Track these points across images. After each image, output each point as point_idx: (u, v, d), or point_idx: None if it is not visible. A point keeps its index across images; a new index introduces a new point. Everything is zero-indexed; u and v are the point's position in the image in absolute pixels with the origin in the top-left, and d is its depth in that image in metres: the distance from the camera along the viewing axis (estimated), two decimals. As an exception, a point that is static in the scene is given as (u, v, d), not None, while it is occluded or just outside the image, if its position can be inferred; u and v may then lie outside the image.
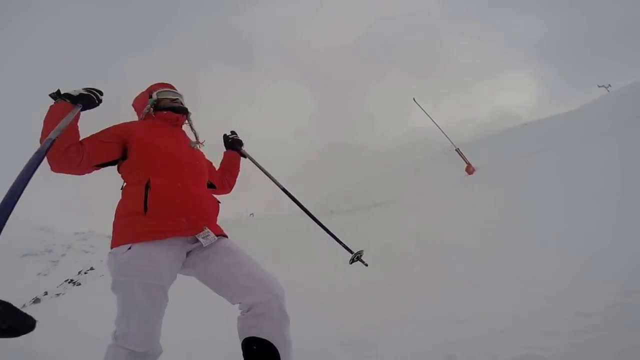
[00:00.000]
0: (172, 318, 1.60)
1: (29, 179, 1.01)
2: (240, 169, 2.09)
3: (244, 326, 1.41)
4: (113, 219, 1.48)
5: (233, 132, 2.14)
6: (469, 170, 8.57)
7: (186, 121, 1.78)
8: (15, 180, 0.98)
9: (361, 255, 2.21)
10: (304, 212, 2.24)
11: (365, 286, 3.22)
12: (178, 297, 1.74)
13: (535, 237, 3.37)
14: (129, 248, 1.35)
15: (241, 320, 1.43)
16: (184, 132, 1.78)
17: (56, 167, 1.39)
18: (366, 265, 2.23)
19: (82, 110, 1.46)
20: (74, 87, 1.48)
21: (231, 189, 2.03)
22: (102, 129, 1.53)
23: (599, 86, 16.53)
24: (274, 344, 1.35)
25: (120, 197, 1.52)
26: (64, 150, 1.37)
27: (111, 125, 1.57)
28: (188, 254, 1.50)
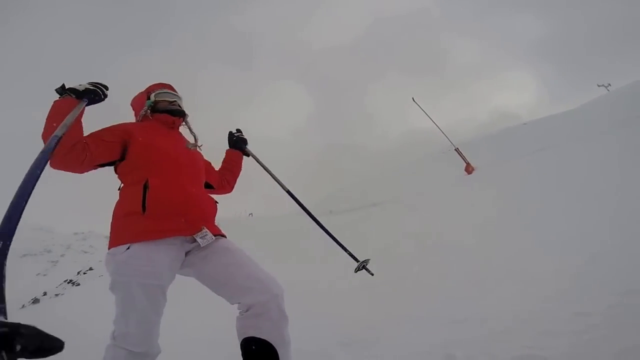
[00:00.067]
0: (172, 318, 1.60)
1: (37, 179, 0.97)
2: (242, 168, 2.06)
3: (242, 326, 1.40)
4: (111, 220, 1.48)
5: (238, 130, 2.10)
6: (468, 169, 8.56)
7: (183, 123, 1.76)
8: (23, 181, 0.93)
9: (367, 264, 2.20)
10: (303, 212, 2.23)
11: (365, 286, 3.21)
12: (178, 297, 1.74)
13: (535, 237, 3.37)
14: (128, 248, 1.35)
15: (240, 320, 1.43)
16: (181, 133, 1.76)
17: (58, 164, 1.35)
18: (372, 274, 2.20)
19: (87, 105, 1.43)
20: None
21: (232, 188, 2.00)
22: (101, 128, 1.51)
23: (599, 85, 16.51)
24: (273, 344, 1.34)
25: (118, 198, 1.51)
26: (70, 147, 1.35)
27: (110, 125, 1.55)
28: (187, 254, 1.49)
